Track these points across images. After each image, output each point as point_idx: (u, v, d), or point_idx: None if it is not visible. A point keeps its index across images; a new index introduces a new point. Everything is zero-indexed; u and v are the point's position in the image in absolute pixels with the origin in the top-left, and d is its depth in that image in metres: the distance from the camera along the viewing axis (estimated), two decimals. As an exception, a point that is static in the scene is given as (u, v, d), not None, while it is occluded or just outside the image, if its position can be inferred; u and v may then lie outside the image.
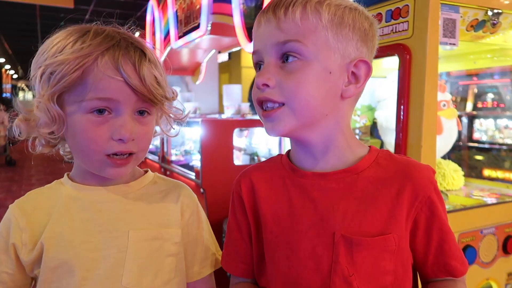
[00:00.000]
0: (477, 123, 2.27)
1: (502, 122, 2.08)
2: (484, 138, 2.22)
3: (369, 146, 0.74)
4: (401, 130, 1.28)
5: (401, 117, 1.27)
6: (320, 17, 0.64)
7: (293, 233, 0.69)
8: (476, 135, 2.25)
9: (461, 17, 1.31)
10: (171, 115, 0.82)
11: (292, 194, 0.72)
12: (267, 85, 0.65)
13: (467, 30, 1.38)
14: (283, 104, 0.65)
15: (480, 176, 2.01)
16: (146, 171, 0.84)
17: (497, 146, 2.08)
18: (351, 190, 0.68)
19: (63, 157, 0.80)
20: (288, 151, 0.79)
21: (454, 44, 1.28)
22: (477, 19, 1.36)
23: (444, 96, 1.62)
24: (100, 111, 0.68)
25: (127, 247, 0.72)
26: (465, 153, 2.15)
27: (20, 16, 7.64)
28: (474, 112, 2.17)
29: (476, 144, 2.18)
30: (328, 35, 0.64)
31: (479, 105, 2.18)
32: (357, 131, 1.86)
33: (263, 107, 0.68)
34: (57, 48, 0.68)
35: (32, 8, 6.97)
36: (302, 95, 0.64)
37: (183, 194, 0.83)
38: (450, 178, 1.62)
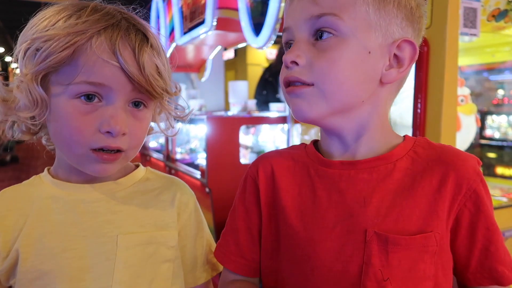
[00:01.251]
0: (489, 119, 2.19)
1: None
2: (497, 135, 2.15)
3: (404, 136, 0.66)
4: (418, 127, 1.21)
5: (418, 113, 1.20)
6: None
7: (317, 230, 0.61)
8: (488, 132, 2.18)
9: (482, 6, 1.24)
10: (171, 112, 0.74)
11: (317, 185, 0.64)
12: (296, 63, 0.59)
13: (488, 20, 1.31)
14: (312, 85, 0.59)
15: (492, 174, 1.94)
16: (137, 166, 0.75)
17: (510, 144, 2.00)
18: (386, 181, 0.60)
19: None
20: (313, 141, 0.71)
21: (475, 34, 1.20)
22: (499, 8, 1.29)
23: (462, 91, 1.54)
24: (89, 98, 0.60)
25: (116, 255, 0.65)
26: (477, 151, 2.07)
27: (26, 13, 7.65)
28: (485, 108, 2.09)
29: (488, 142, 2.11)
30: (369, 9, 0.58)
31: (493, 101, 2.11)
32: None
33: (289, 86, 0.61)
34: (48, 22, 0.60)
35: (36, 5, 6.96)
36: (335, 75, 0.58)
37: (180, 191, 0.74)
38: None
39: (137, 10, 0.67)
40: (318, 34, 0.59)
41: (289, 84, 0.61)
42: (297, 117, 0.62)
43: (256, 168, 0.71)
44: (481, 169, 0.61)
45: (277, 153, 0.73)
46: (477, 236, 0.59)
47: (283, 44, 0.65)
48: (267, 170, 0.69)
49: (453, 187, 0.58)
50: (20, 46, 0.61)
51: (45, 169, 0.71)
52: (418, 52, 0.61)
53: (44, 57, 0.58)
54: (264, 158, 0.72)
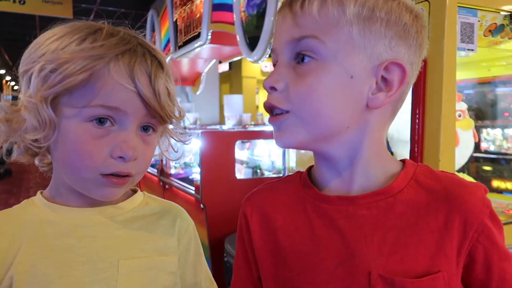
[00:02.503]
0: (484, 132, 2.19)
1: (510, 131, 2.00)
2: (492, 148, 2.14)
3: (402, 161, 0.61)
4: (416, 142, 1.19)
5: (416, 128, 1.19)
6: (344, 9, 0.53)
7: (318, 272, 0.57)
8: (483, 145, 2.18)
9: (479, 21, 1.23)
10: (173, 136, 0.72)
11: (314, 223, 0.59)
12: (275, 88, 0.56)
13: (485, 35, 1.30)
14: (287, 112, 0.56)
15: (488, 187, 1.92)
16: (134, 191, 0.73)
17: (506, 157, 2.00)
18: (387, 217, 0.56)
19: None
20: (309, 168, 0.67)
21: (472, 50, 1.19)
22: (495, 23, 1.28)
23: (459, 106, 1.53)
24: (101, 121, 0.58)
25: (117, 281, 0.61)
26: (472, 165, 2.06)
27: (20, 27, 7.64)
28: (480, 122, 2.09)
29: (483, 155, 2.10)
30: (352, 31, 0.53)
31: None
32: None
33: (273, 113, 0.58)
34: (59, 43, 0.58)
35: (31, 19, 6.96)
36: (312, 102, 0.54)
37: (179, 217, 0.73)
38: (466, 192, 1.53)
39: (143, 33, 0.68)
40: (299, 58, 0.55)
41: (270, 109, 0.58)
42: (278, 145, 0.60)
43: (249, 208, 0.67)
44: (487, 196, 0.57)
45: (270, 189, 0.69)
46: (493, 269, 0.55)
47: (273, 66, 0.62)
48: (260, 211, 0.65)
49: (462, 222, 0.54)
50: (29, 66, 0.59)
51: (38, 193, 0.68)
52: (408, 73, 0.56)
53: (60, 79, 0.56)
54: (256, 197, 0.68)
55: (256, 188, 0.70)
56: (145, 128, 0.63)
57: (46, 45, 0.59)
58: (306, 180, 0.64)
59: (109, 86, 0.57)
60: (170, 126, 0.71)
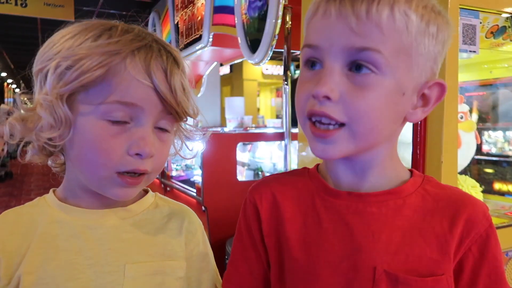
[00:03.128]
0: (485, 135, 2.19)
1: (512, 134, 1.99)
2: (494, 150, 2.14)
3: (410, 170, 0.63)
4: (418, 144, 1.19)
5: (419, 130, 1.18)
6: (407, 22, 0.51)
7: (322, 264, 0.57)
8: (485, 147, 2.17)
9: (481, 23, 1.23)
10: (188, 135, 0.72)
11: (323, 217, 0.60)
12: (329, 98, 0.52)
13: (487, 37, 1.30)
14: (343, 125, 0.53)
15: (490, 190, 1.92)
16: (146, 191, 0.72)
17: (508, 159, 1.99)
18: (395, 217, 0.57)
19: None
20: (316, 166, 0.67)
21: (474, 51, 1.19)
22: (497, 25, 1.28)
23: (461, 108, 1.53)
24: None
25: (122, 285, 0.61)
26: (474, 167, 2.06)
27: (22, 30, 7.65)
28: (481, 124, 2.08)
29: (485, 157, 2.10)
30: (412, 46, 0.52)
31: (484, 116, 2.10)
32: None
33: (313, 119, 0.55)
34: (74, 40, 0.58)
35: (33, 22, 6.98)
36: (370, 117, 0.52)
37: (187, 220, 0.71)
38: (468, 195, 1.52)
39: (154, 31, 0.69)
40: (353, 65, 0.52)
41: (312, 115, 0.55)
42: (318, 156, 0.57)
43: (259, 195, 0.66)
44: (489, 214, 0.58)
45: (278, 180, 0.68)
46: (478, 284, 0.56)
47: (304, 59, 0.58)
48: (270, 200, 0.65)
49: (462, 229, 0.56)
50: (44, 64, 0.59)
51: (51, 191, 0.68)
52: (445, 92, 0.57)
53: (77, 76, 0.56)
54: (265, 185, 0.67)
55: (262, 178, 0.71)
56: (161, 126, 0.63)
57: (61, 43, 0.59)
58: (315, 174, 0.65)
59: (126, 82, 0.57)
60: (187, 126, 0.72)
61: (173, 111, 0.61)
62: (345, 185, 0.61)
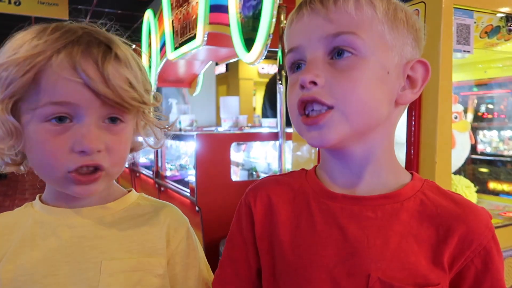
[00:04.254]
0: (480, 134, 2.19)
1: (507, 133, 1.99)
2: (488, 149, 2.14)
3: (411, 172, 0.62)
4: (412, 144, 1.18)
5: (412, 130, 1.18)
6: (375, 9, 0.55)
7: (315, 269, 0.56)
8: (479, 147, 2.17)
9: (475, 22, 1.22)
10: (155, 124, 0.72)
11: (317, 219, 0.59)
12: (315, 83, 0.54)
13: (481, 37, 1.29)
14: (332, 108, 0.54)
15: (485, 189, 1.92)
16: (130, 191, 0.72)
17: (502, 158, 1.99)
18: (391, 222, 0.56)
19: None
20: (315, 167, 0.66)
21: (468, 51, 1.18)
22: (491, 25, 1.27)
23: (456, 108, 1.53)
24: (60, 119, 0.58)
25: (99, 282, 0.61)
26: (468, 166, 2.06)
27: (15, 29, 7.61)
28: (476, 124, 2.08)
29: (480, 156, 2.10)
30: (384, 29, 0.55)
31: (480, 115, 2.11)
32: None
33: (306, 111, 0.56)
34: (15, 46, 0.58)
35: (26, 21, 6.93)
36: (358, 96, 0.54)
37: (170, 216, 0.71)
38: (462, 194, 1.52)
39: (111, 26, 0.67)
40: (334, 53, 0.55)
41: (304, 106, 0.56)
42: (316, 145, 0.57)
43: (253, 197, 0.66)
44: (492, 222, 0.57)
45: (275, 181, 0.68)
46: None
47: (289, 65, 0.61)
48: (265, 202, 0.64)
49: (461, 240, 0.54)
50: None
51: (37, 196, 0.70)
52: (430, 72, 0.59)
53: (7, 84, 0.56)
54: (261, 187, 0.67)
55: (260, 179, 0.70)
56: (112, 120, 0.62)
57: (5, 52, 0.59)
58: (312, 176, 0.64)
59: (54, 81, 0.56)
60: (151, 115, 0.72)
61: (114, 103, 0.59)
62: (341, 185, 0.61)
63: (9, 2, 5.43)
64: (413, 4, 1.16)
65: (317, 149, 1.36)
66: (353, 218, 0.57)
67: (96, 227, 0.65)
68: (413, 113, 1.16)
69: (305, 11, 0.57)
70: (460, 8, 1.16)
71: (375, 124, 0.57)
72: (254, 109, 8.87)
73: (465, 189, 1.53)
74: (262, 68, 8.22)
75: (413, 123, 1.16)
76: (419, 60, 0.58)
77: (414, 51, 0.59)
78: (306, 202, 0.62)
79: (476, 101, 2.08)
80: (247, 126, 2.89)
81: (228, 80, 8.21)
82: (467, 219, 0.55)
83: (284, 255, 0.60)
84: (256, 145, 2.75)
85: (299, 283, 0.57)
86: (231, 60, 3.47)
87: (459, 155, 1.54)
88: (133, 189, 0.74)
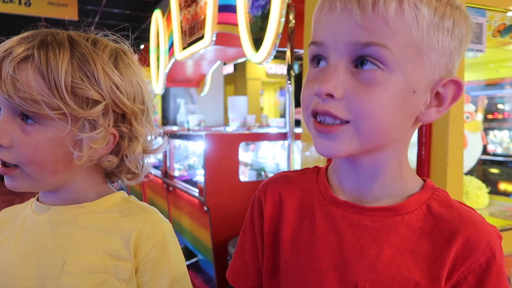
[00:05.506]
0: (491, 134, 2.16)
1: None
2: (499, 150, 2.11)
3: (424, 180, 0.59)
4: (423, 145, 1.17)
5: (424, 130, 1.16)
6: (418, 15, 0.48)
7: (310, 271, 0.56)
8: (490, 147, 2.15)
9: (487, 21, 1.21)
10: (138, 135, 0.69)
11: (318, 222, 0.58)
12: (332, 96, 0.50)
13: (493, 36, 1.28)
14: (347, 122, 0.51)
15: (496, 190, 1.90)
16: (120, 192, 0.73)
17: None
18: (389, 234, 0.54)
19: None
20: (327, 166, 0.65)
21: (481, 50, 1.17)
22: (504, 23, 1.26)
23: (467, 108, 1.51)
24: None
25: (59, 279, 0.62)
26: (479, 167, 2.03)
27: (25, 30, 7.69)
28: (486, 124, 2.06)
29: (490, 157, 2.07)
30: (423, 41, 0.49)
31: (490, 116, 2.08)
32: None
33: (318, 119, 0.53)
34: None
35: (37, 22, 7.00)
36: (375, 116, 0.49)
37: (143, 221, 0.67)
38: (474, 196, 1.50)
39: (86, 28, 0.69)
40: (359, 61, 0.50)
41: (316, 114, 0.53)
42: (323, 154, 0.55)
43: (265, 193, 0.65)
44: (500, 245, 0.52)
45: (287, 179, 0.66)
46: None
47: (310, 57, 0.56)
48: (275, 199, 0.64)
49: (457, 253, 0.51)
50: None
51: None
52: (462, 91, 0.53)
53: None
54: (273, 184, 0.66)
55: (274, 175, 0.69)
56: (26, 117, 0.61)
57: None
58: (322, 176, 0.63)
59: None
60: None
61: (7, 103, 0.60)
62: (347, 190, 0.59)
63: (20, 3, 5.48)
64: (424, 3, 1.15)
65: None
66: (352, 226, 0.56)
67: (70, 225, 0.66)
68: (424, 113, 1.15)
69: (339, 4, 0.50)
70: (472, 7, 1.14)
71: (388, 143, 0.54)
72: (262, 109, 8.86)
73: (477, 190, 1.52)
74: (270, 68, 8.20)
75: (423, 125, 1.15)
76: (452, 80, 0.52)
77: (452, 64, 0.52)
78: (312, 203, 0.61)
79: (486, 101, 2.05)
80: (255, 126, 2.88)
81: (236, 80, 8.21)
82: (467, 233, 0.51)
83: (284, 252, 0.60)
84: (264, 145, 2.75)
85: (294, 282, 0.58)
86: (239, 60, 3.47)
87: (470, 156, 1.52)
88: (123, 191, 0.74)
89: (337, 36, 0.50)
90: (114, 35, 0.70)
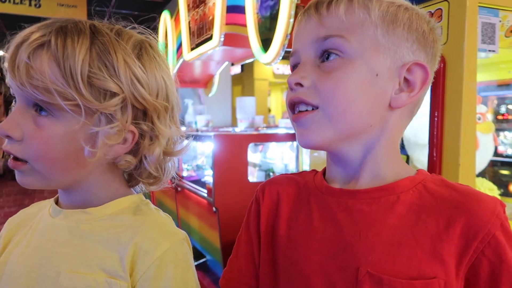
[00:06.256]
0: (501, 135, 2.14)
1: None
2: (510, 151, 2.09)
3: (417, 170, 0.61)
4: (435, 146, 1.16)
5: (435, 131, 1.15)
6: (369, 12, 0.56)
7: (309, 263, 0.57)
8: (500, 149, 2.12)
9: (500, 21, 1.19)
10: (160, 134, 0.63)
11: (314, 215, 0.60)
12: (301, 85, 0.57)
13: (506, 36, 1.26)
14: (317, 108, 0.56)
15: (507, 192, 1.87)
16: (137, 195, 0.67)
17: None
18: (386, 215, 0.55)
19: None
20: (325, 168, 0.67)
21: (493, 51, 1.15)
22: (517, 23, 1.24)
23: (479, 109, 1.49)
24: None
25: None
26: (489, 169, 2.01)
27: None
28: (496, 125, 2.04)
29: (501, 158, 2.05)
30: (377, 32, 0.55)
31: (500, 117, 2.06)
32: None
33: (295, 110, 0.59)
34: None
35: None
36: (340, 97, 0.55)
37: (142, 235, 0.59)
38: (486, 198, 1.48)
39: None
40: (324, 56, 0.57)
41: (293, 107, 0.59)
42: (302, 144, 0.59)
43: (262, 192, 0.68)
44: (505, 212, 0.52)
45: (286, 178, 0.69)
46: None
47: (291, 68, 0.64)
48: (273, 197, 0.67)
49: (465, 230, 0.51)
50: None
51: None
52: (431, 76, 0.58)
53: None
54: (272, 183, 0.69)
55: (273, 176, 0.72)
56: (41, 108, 0.56)
57: None
58: (319, 174, 0.66)
59: None
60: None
61: (21, 92, 0.56)
62: (340, 181, 0.62)
63: (30, 5, 5.54)
64: (435, 3, 1.14)
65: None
66: (348, 212, 0.57)
67: (72, 232, 0.60)
68: (436, 113, 1.13)
69: (303, 18, 0.60)
70: (485, 7, 1.13)
71: (362, 127, 0.57)
72: (269, 110, 8.85)
73: (488, 192, 1.50)
74: (277, 69, 8.20)
75: (435, 124, 1.13)
76: (416, 63, 0.56)
77: (415, 54, 0.57)
78: (308, 198, 0.63)
79: (496, 101, 2.03)
80: (264, 127, 2.88)
81: (243, 80, 8.21)
82: (469, 206, 0.52)
83: (283, 248, 0.61)
84: (273, 145, 2.74)
85: (294, 277, 0.59)
86: (247, 61, 3.47)
87: (482, 157, 1.50)
88: (135, 194, 0.67)
89: (304, 39, 0.59)
90: (145, 29, 0.66)
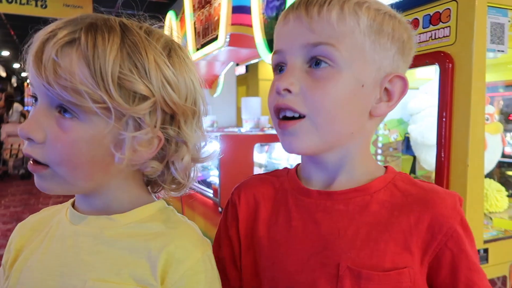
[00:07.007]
0: (507, 136, 2.12)
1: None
2: (517, 152, 2.07)
3: (385, 167, 0.65)
4: (443, 146, 1.15)
5: (443, 132, 1.15)
6: (358, 20, 0.56)
7: (291, 262, 0.60)
8: (507, 150, 2.11)
9: (509, 21, 1.18)
10: (186, 140, 0.60)
11: (293, 215, 0.62)
12: (289, 91, 0.57)
13: (515, 36, 1.25)
14: (304, 117, 0.57)
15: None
16: (159, 202, 0.64)
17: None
18: (362, 213, 0.59)
19: None
20: (297, 165, 0.69)
21: (503, 51, 1.15)
22: (526, 23, 1.23)
23: (487, 109, 1.48)
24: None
25: None
26: (496, 170, 2.00)
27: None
28: (504, 126, 2.02)
29: (508, 159, 2.03)
30: (365, 42, 0.57)
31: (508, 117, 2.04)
32: (388, 147, 1.73)
33: (280, 115, 0.59)
34: None
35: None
36: (329, 107, 0.56)
37: (175, 243, 0.57)
38: (493, 199, 1.47)
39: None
40: (313, 62, 0.57)
41: (279, 111, 0.59)
42: (288, 151, 0.61)
43: (238, 196, 0.69)
44: (461, 207, 0.59)
45: (260, 180, 0.70)
46: (460, 277, 0.56)
47: (273, 66, 0.63)
48: (250, 202, 0.67)
49: (431, 225, 0.56)
50: None
51: None
52: (408, 86, 0.60)
53: None
54: (246, 186, 0.70)
55: (246, 178, 0.73)
56: (64, 110, 0.53)
57: None
58: (293, 174, 0.67)
59: None
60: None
61: (45, 92, 0.52)
62: (317, 183, 0.64)
63: (36, 5, 5.58)
64: (444, 3, 1.13)
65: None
66: (327, 212, 0.60)
67: (96, 239, 0.58)
68: (444, 114, 1.13)
69: (291, 16, 0.59)
70: (494, 7, 1.12)
71: (346, 136, 0.59)
72: (274, 110, 8.84)
73: (496, 193, 1.49)
74: (282, 69, 8.20)
75: (444, 124, 1.13)
76: (397, 75, 0.59)
77: (396, 64, 0.59)
78: (285, 199, 0.65)
79: (503, 102, 2.02)
80: (269, 127, 2.88)
81: (248, 81, 8.21)
82: (434, 204, 0.57)
83: (263, 251, 0.63)
84: (278, 146, 2.74)
85: (276, 276, 0.60)
86: (252, 61, 3.47)
87: (490, 158, 1.49)
88: (161, 200, 0.65)
89: (292, 41, 0.58)
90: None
